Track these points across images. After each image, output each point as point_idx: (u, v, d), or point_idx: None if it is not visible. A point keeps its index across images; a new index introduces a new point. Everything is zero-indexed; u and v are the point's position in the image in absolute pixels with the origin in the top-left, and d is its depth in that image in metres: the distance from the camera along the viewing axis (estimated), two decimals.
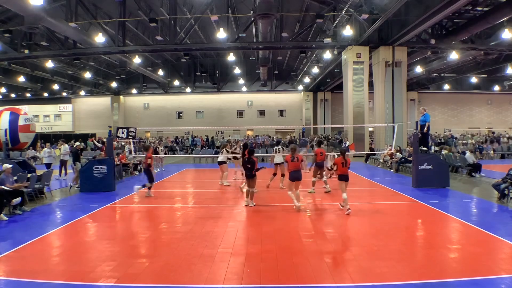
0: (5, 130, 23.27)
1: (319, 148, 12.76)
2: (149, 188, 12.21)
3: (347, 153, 10.16)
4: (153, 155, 19.79)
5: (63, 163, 16.88)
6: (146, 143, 27.74)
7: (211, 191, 13.42)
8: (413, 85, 43.46)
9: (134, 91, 47.89)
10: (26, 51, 25.74)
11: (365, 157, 24.47)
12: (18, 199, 9.54)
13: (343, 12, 22.20)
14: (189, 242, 7.12)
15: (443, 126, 44.41)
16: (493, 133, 38.61)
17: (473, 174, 16.15)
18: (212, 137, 36.13)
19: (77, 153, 15.65)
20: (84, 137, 35.84)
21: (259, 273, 5.50)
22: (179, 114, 49.02)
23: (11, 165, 9.99)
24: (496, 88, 44.95)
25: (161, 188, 14.79)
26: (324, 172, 12.89)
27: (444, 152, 18.57)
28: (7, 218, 8.92)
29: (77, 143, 21.06)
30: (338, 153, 10.41)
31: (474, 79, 43.37)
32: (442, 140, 29.81)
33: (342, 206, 9.59)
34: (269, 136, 38.24)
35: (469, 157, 16.75)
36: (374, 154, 22.63)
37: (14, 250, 6.65)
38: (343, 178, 9.47)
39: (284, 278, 5.32)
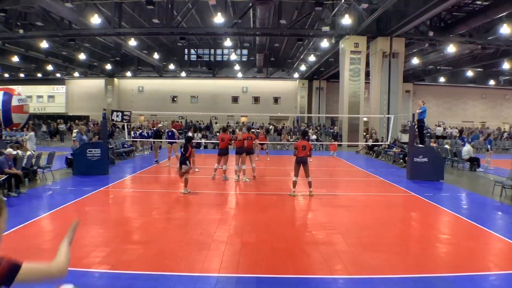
0: None
1: (302, 140, 10.29)
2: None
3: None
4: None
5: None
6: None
7: (206, 177, 13.18)
8: (409, 77, 43.35)
9: (128, 74, 47.26)
10: (21, 31, 25.18)
11: (361, 147, 24.47)
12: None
13: (343, 1, 21.99)
14: (183, 229, 7.08)
15: (437, 119, 44.46)
16: (488, 128, 38.82)
17: (476, 169, 15.90)
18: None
19: None
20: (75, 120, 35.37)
21: (255, 263, 5.47)
22: (173, 98, 48.56)
23: (15, 152, 9.99)
24: (492, 82, 45.01)
25: (155, 173, 14.71)
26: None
27: (447, 146, 18.58)
28: None
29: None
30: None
31: (469, 73, 43.33)
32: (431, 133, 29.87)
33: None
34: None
35: (469, 150, 16.60)
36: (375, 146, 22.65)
37: (4, 234, 6.56)
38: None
39: (280, 268, 5.31)
